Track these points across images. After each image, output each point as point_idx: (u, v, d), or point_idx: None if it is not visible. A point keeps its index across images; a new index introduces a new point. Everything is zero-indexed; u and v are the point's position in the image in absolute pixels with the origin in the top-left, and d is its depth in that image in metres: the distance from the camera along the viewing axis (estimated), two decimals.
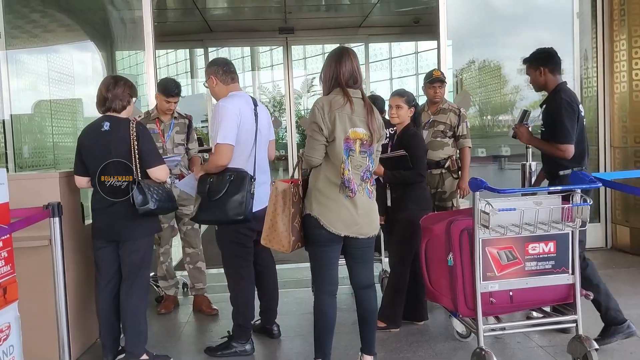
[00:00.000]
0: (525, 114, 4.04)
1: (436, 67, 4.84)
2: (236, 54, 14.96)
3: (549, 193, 3.13)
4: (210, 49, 11.49)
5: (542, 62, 3.57)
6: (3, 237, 2.65)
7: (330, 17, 9.89)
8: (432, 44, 10.72)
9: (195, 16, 9.10)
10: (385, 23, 10.15)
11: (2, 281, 2.62)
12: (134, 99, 3.40)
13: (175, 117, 4.41)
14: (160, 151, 3.88)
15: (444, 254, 3.07)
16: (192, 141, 4.52)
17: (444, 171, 4.61)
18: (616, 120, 5.79)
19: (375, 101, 3.75)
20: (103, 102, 3.30)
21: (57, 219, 3.23)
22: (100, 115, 3.34)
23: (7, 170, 3.39)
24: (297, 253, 3.15)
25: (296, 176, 3.01)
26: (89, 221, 3.86)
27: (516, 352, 3.40)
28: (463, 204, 4.83)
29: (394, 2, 9.30)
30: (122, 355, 3.46)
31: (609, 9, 5.73)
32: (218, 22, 9.78)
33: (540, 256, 3.02)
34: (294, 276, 5.37)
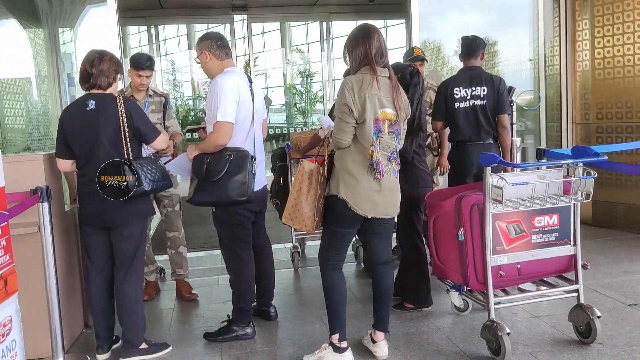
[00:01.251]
0: (511, 90, 4.11)
1: (416, 45, 4.84)
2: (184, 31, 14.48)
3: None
4: (160, 26, 11.10)
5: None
6: (1, 224, 2.45)
7: None
8: (387, 22, 10.81)
9: None
10: (342, 2, 10.06)
11: (2, 272, 2.42)
12: (119, 75, 3.19)
13: (150, 95, 4.21)
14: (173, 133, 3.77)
15: (453, 230, 3.08)
16: (170, 118, 4.33)
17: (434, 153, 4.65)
18: (578, 97, 6.00)
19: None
20: (87, 78, 3.07)
21: (46, 204, 3.04)
22: (84, 92, 3.12)
23: None
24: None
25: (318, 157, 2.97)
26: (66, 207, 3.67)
27: (515, 323, 3.48)
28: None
29: None
30: (118, 344, 3.31)
31: None
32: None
33: (546, 229, 3.09)
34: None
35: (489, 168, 2.90)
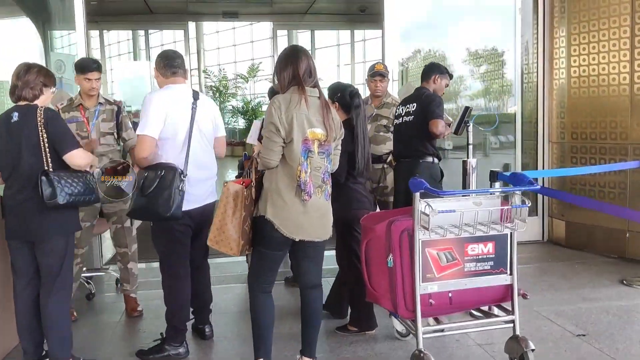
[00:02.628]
0: (467, 110, 4.03)
1: (379, 60, 4.77)
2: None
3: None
4: (151, 31, 11.13)
5: None
6: None
7: (276, 2, 9.69)
8: (378, 32, 10.76)
9: None
10: (331, 11, 10.03)
11: None
12: (52, 89, 3.15)
13: (100, 103, 4.05)
14: (85, 141, 3.60)
15: (384, 255, 3.00)
16: (127, 129, 4.17)
17: (385, 166, 4.56)
18: (554, 115, 5.88)
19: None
20: (13, 90, 3.05)
21: None
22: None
23: None
24: None
25: (247, 177, 2.91)
26: None
27: (455, 351, 3.40)
28: None
29: None
30: None
31: (550, 5, 5.80)
32: (159, 3, 9.40)
33: (480, 257, 3.00)
34: (233, 270, 5.22)
35: (418, 194, 2.83)
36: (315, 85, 2.85)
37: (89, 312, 4.30)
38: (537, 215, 6.03)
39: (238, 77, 21.61)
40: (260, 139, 2.92)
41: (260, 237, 2.86)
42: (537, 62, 5.96)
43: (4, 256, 3.43)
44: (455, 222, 2.93)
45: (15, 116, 2.98)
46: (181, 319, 3.38)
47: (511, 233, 3.02)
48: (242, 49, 27.01)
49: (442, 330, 3.10)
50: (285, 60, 2.84)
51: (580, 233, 5.66)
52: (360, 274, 3.55)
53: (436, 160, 4.08)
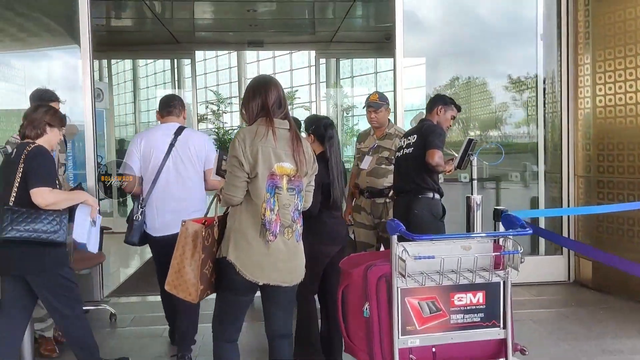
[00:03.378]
0: (471, 143, 3.76)
1: (376, 90, 4.55)
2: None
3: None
4: (185, 60, 11.23)
5: None
6: None
7: (300, 31, 9.63)
8: (412, 60, 10.54)
9: (160, 25, 8.79)
10: (356, 39, 9.88)
11: None
12: (57, 129, 3.19)
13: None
14: None
15: (361, 303, 2.73)
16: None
17: (387, 200, 4.29)
18: (580, 147, 5.50)
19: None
20: (20, 128, 3.16)
21: None
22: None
23: None
24: None
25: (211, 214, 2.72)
26: None
27: None
28: None
29: (364, 18, 9.04)
30: None
31: (574, 30, 5.47)
32: (185, 32, 9.47)
33: (468, 308, 2.69)
34: None
35: (395, 237, 2.56)
36: (286, 117, 2.64)
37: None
38: (562, 254, 5.62)
39: None
40: (222, 173, 2.67)
41: (224, 281, 2.64)
42: (561, 90, 5.61)
43: None
44: (437, 268, 2.64)
45: (14, 152, 3.03)
46: None
47: (504, 282, 2.71)
48: (282, 77, 27.38)
49: None
50: (254, 90, 2.64)
51: (609, 274, 5.19)
52: (306, 314, 3.46)
53: (437, 195, 3.80)
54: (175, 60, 11.07)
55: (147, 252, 7.09)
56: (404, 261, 2.51)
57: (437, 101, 3.99)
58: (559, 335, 4.16)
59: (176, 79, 11.90)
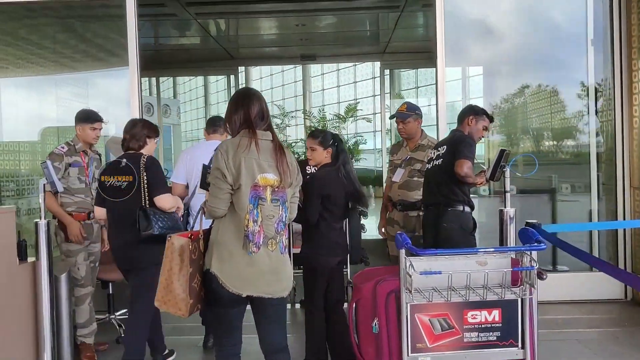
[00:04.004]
0: (503, 154, 3.63)
1: (405, 101, 4.47)
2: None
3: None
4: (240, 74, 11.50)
5: None
6: None
7: (351, 45, 9.65)
8: (476, 70, 10.29)
9: (214, 43, 9.06)
10: (408, 49, 9.78)
11: None
12: (155, 139, 3.75)
13: (94, 152, 4.28)
14: (83, 185, 4.06)
15: (371, 319, 2.68)
16: None
17: (420, 213, 4.19)
18: (635, 157, 5.18)
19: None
20: (123, 142, 3.71)
21: None
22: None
23: None
24: None
25: (197, 228, 2.69)
26: (32, 258, 3.74)
27: None
28: None
29: (415, 28, 8.94)
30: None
31: (627, 34, 5.18)
32: (241, 49, 9.70)
33: (483, 326, 2.59)
34: None
35: (403, 251, 2.50)
36: (269, 128, 2.68)
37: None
38: None
39: (335, 117, 21.76)
40: (206, 186, 2.70)
41: (210, 295, 2.62)
42: (614, 97, 5.31)
43: (19, 301, 3.53)
44: (455, 284, 2.55)
45: (124, 162, 3.54)
46: None
47: (522, 300, 2.58)
48: (346, 89, 27.53)
49: None
50: (236, 103, 2.68)
51: None
52: (310, 326, 3.52)
53: (467, 208, 3.68)
54: (238, 76, 11.34)
55: None
56: (410, 276, 2.45)
57: (468, 111, 3.88)
58: (604, 357, 3.91)
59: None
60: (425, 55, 9.97)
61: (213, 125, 4.32)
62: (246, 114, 2.62)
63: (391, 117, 4.32)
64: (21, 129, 6.43)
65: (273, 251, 2.56)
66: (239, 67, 10.91)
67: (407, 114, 4.21)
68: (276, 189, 2.58)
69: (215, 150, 2.61)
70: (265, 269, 2.55)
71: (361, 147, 19.62)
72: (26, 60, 6.57)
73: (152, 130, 3.73)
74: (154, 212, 3.42)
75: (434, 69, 5.30)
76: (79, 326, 4.11)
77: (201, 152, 3.92)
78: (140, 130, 3.68)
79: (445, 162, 3.69)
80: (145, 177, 3.49)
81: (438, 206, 3.69)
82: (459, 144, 3.64)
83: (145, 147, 3.69)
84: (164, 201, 3.50)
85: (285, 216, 2.62)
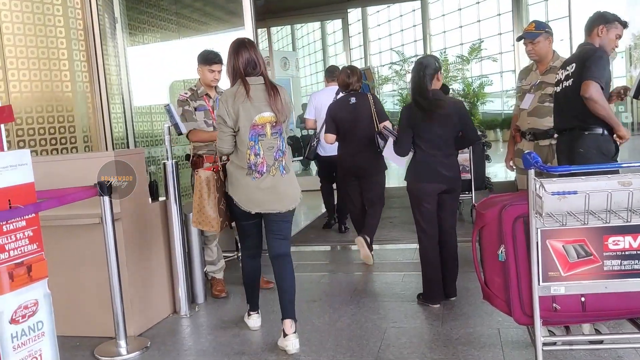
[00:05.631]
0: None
1: (533, 20, 4.02)
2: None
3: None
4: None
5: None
6: (27, 217, 2.72)
7: None
8: None
9: None
10: None
11: (25, 259, 2.69)
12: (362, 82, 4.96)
13: (219, 93, 4.23)
14: (210, 129, 4.10)
15: (496, 247, 2.50)
16: None
17: (553, 142, 3.83)
18: None
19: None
20: (347, 85, 4.85)
21: (107, 198, 3.29)
22: (344, 93, 4.93)
23: None
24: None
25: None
26: (162, 198, 3.96)
27: None
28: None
29: None
30: None
31: None
32: None
33: (626, 253, 2.31)
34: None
35: (532, 172, 2.28)
36: (262, 74, 3.11)
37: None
38: None
39: (458, 59, 20.77)
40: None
41: (231, 211, 3.27)
42: None
43: (148, 238, 3.76)
44: (593, 206, 2.29)
45: (353, 100, 4.78)
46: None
47: None
48: (469, 29, 26.29)
49: (570, 344, 2.47)
50: (229, 56, 3.14)
51: None
52: (422, 246, 3.71)
53: (607, 131, 3.27)
54: (348, 20, 11.13)
55: (317, 209, 7.42)
56: (540, 198, 2.23)
57: (597, 20, 3.40)
58: None
59: (349, 44, 12.03)
60: None
61: (331, 74, 6.02)
62: (236, 65, 3.09)
63: (519, 39, 3.92)
64: (153, 92, 6.77)
65: (274, 176, 3.11)
66: (355, 14, 10.71)
67: (537, 33, 3.80)
68: (274, 124, 3.09)
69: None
70: (269, 190, 3.10)
71: (487, 89, 18.61)
72: (154, 25, 6.82)
73: (361, 75, 5.02)
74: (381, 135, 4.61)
75: None
76: (208, 263, 4.32)
77: (325, 96, 5.68)
78: (357, 78, 4.88)
79: (575, 82, 3.29)
80: (374, 111, 4.75)
81: (572, 130, 3.34)
82: (586, 60, 3.23)
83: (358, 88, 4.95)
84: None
85: (283, 145, 3.16)
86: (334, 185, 6.10)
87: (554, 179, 2.34)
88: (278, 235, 3.24)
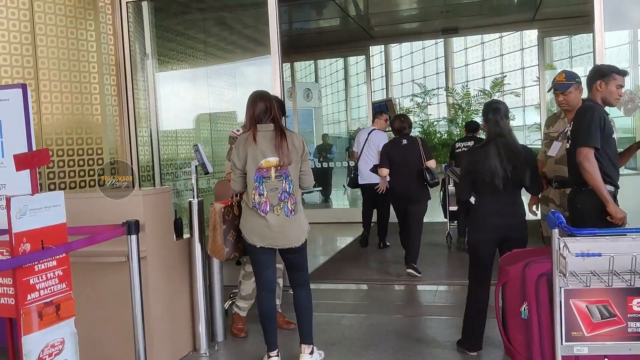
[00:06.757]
0: None
1: (562, 70, 4.03)
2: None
3: None
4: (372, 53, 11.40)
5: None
6: (58, 257, 2.79)
7: (497, 13, 9.10)
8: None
9: (352, 23, 9.05)
10: (560, 15, 9.01)
11: (54, 298, 2.75)
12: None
13: None
14: None
15: (519, 304, 2.50)
16: None
17: None
18: None
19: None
20: (401, 130, 5.99)
21: (134, 237, 3.35)
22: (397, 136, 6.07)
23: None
24: None
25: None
26: (187, 235, 4.01)
27: None
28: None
29: None
30: None
31: None
32: (376, 27, 9.61)
33: None
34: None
35: (556, 231, 2.29)
36: (273, 120, 3.39)
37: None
38: None
39: (480, 93, 20.84)
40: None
41: (244, 245, 3.52)
42: None
43: (175, 275, 3.80)
44: (618, 267, 2.29)
45: (404, 142, 5.91)
46: None
47: None
48: (491, 63, 26.34)
49: None
50: (247, 106, 3.46)
51: None
52: (472, 294, 3.35)
53: (609, 187, 3.15)
54: (371, 55, 11.30)
55: (338, 243, 7.44)
56: (564, 258, 2.24)
57: (594, 76, 3.37)
58: None
59: (371, 76, 12.14)
60: (580, 20, 9.17)
61: (373, 117, 7.65)
62: (252, 114, 3.39)
63: (549, 90, 3.93)
64: (178, 118, 6.93)
65: (279, 215, 3.34)
66: (377, 47, 10.89)
67: (568, 84, 3.80)
68: (279, 168, 3.33)
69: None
70: (273, 228, 3.34)
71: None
72: (182, 53, 7.03)
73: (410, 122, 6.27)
74: (428, 171, 5.80)
75: (591, 34, 4.79)
76: (240, 297, 4.25)
77: (363, 133, 7.24)
78: (409, 124, 6.12)
79: (571, 144, 3.29)
80: (422, 151, 5.81)
81: (575, 185, 3.30)
82: (578, 124, 3.23)
83: (410, 130, 6.12)
84: (432, 163, 5.90)
85: (290, 187, 3.36)
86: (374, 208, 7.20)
87: (578, 238, 2.35)
88: (292, 268, 3.56)
